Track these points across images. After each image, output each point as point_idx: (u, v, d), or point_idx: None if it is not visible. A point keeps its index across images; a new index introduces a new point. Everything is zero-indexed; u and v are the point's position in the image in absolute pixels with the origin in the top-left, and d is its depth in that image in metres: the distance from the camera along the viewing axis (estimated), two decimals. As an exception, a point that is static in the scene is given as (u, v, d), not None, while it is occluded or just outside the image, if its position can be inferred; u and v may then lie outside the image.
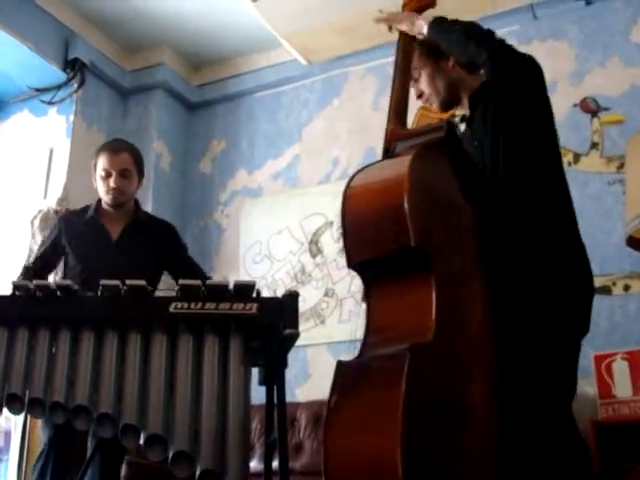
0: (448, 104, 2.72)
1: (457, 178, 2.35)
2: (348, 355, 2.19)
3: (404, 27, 2.70)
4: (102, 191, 3.55)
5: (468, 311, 2.17)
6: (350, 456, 1.96)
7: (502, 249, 2.32)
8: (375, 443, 1.91)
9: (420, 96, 2.75)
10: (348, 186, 2.33)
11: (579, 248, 2.43)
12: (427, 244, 2.12)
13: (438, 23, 2.61)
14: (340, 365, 2.12)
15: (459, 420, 2.02)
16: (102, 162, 3.54)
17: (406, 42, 2.71)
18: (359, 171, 2.38)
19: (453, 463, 1.97)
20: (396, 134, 2.51)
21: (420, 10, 2.75)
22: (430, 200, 2.26)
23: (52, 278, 3.72)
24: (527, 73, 2.51)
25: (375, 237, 2.20)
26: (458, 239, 2.28)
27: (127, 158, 3.57)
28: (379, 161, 2.44)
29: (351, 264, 2.28)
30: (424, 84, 2.70)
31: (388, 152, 2.46)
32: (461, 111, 2.80)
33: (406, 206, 2.12)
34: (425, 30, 2.62)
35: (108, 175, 3.51)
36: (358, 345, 2.20)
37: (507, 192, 2.40)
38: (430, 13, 2.76)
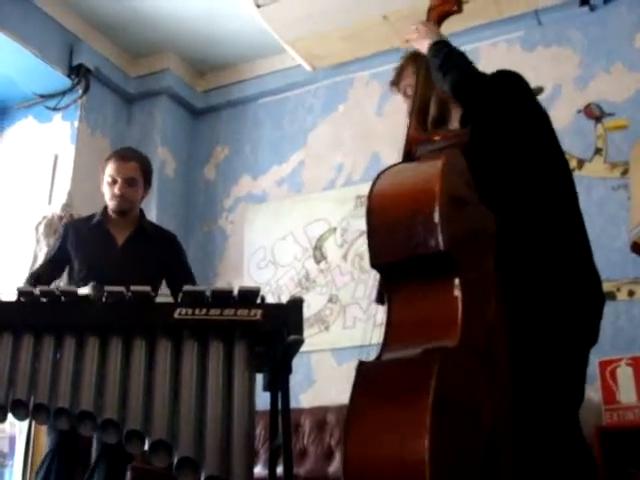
0: (438, 122, 2.71)
1: (476, 184, 2.34)
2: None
3: (416, 45, 2.69)
4: (107, 197, 3.56)
5: (487, 316, 2.17)
6: (371, 463, 1.94)
7: (515, 258, 2.32)
8: (401, 451, 1.90)
9: None
10: (375, 185, 2.31)
11: (588, 259, 2.42)
12: (455, 249, 2.12)
13: (433, 46, 2.59)
14: (363, 366, 2.10)
15: (474, 422, 2.02)
16: (109, 168, 3.56)
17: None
18: (384, 171, 2.36)
19: (467, 466, 1.96)
20: (417, 138, 2.50)
21: (446, 15, 2.74)
22: (458, 205, 2.25)
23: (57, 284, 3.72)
24: (497, 100, 2.47)
25: (403, 240, 2.18)
26: (477, 244, 2.27)
27: (135, 167, 3.59)
28: (401, 163, 2.43)
29: (375, 264, 2.26)
30: None
31: (409, 155, 2.46)
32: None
33: (437, 210, 2.11)
34: (425, 50, 2.62)
35: (114, 182, 3.53)
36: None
37: (512, 203, 2.40)
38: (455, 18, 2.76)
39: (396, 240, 2.21)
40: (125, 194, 3.53)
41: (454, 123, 2.66)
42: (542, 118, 2.56)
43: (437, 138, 2.53)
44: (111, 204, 3.56)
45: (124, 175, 3.54)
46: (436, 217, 2.12)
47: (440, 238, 2.10)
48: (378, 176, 2.35)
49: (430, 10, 2.77)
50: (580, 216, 2.47)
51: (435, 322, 2.11)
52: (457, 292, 2.10)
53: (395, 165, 2.40)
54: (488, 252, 2.27)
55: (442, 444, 1.88)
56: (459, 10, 2.74)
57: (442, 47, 2.58)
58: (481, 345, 2.11)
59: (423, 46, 2.64)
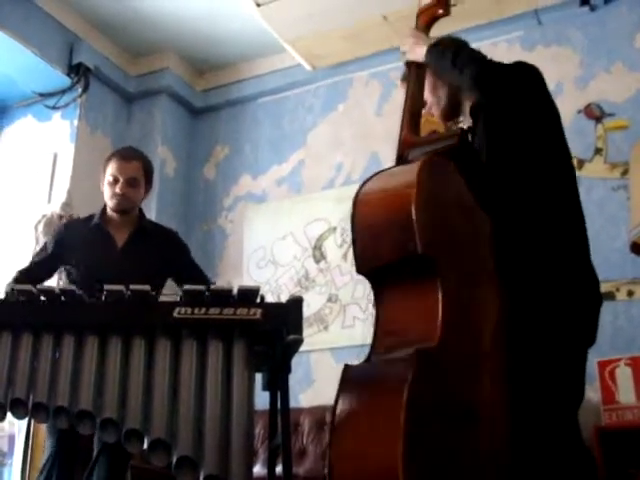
0: (449, 114, 2.71)
1: (469, 186, 2.34)
2: (352, 361, 2.19)
3: (411, 57, 2.66)
4: (107, 196, 3.55)
5: (478, 316, 2.17)
6: (355, 462, 1.96)
7: (512, 258, 2.31)
8: (379, 449, 1.91)
9: (424, 105, 2.73)
10: (359, 192, 2.34)
11: (586, 258, 2.42)
12: (434, 251, 2.13)
13: (432, 50, 2.58)
14: (347, 369, 2.12)
15: (466, 423, 2.02)
16: (111, 168, 3.54)
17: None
18: (371, 177, 2.38)
19: (458, 467, 1.97)
20: (409, 141, 2.50)
21: (434, 19, 2.73)
22: (439, 207, 2.25)
23: (55, 283, 3.71)
24: (517, 90, 2.46)
25: (384, 244, 2.21)
26: (468, 245, 2.27)
27: (137, 167, 3.58)
28: (390, 167, 2.44)
29: (360, 270, 2.28)
30: (427, 92, 2.69)
31: (401, 159, 2.46)
32: (464, 122, 2.78)
33: (414, 213, 2.13)
34: (423, 58, 2.60)
35: (115, 181, 3.51)
36: (366, 350, 2.20)
37: (513, 201, 2.40)
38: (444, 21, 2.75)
39: (378, 245, 2.23)
40: (126, 194, 3.52)
41: (465, 114, 2.66)
42: (554, 115, 2.55)
43: (430, 140, 2.53)
44: (111, 203, 3.54)
45: (126, 175, 3.52)
46: (412, 220, 2.13)
47: (417, 241, 2.11)
48: (363, 183, 2.37)
49: (418, 15, 2.77)
50: (581, 217, 2.47)
51: (417, 324, 2.13)
52: (438, 293, 2.10)
53: (381, 171, 2.42)
54: (483, 252, 2.28)
55: (424, 445, 1.90)
56: (447, 13, 2.73)
57: (446, 47, 2.57)
58: (470, 346, 2.11)
59: (418, 54, 2.63)
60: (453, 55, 2.51)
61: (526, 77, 2.51)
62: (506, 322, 2.21)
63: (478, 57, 2.51)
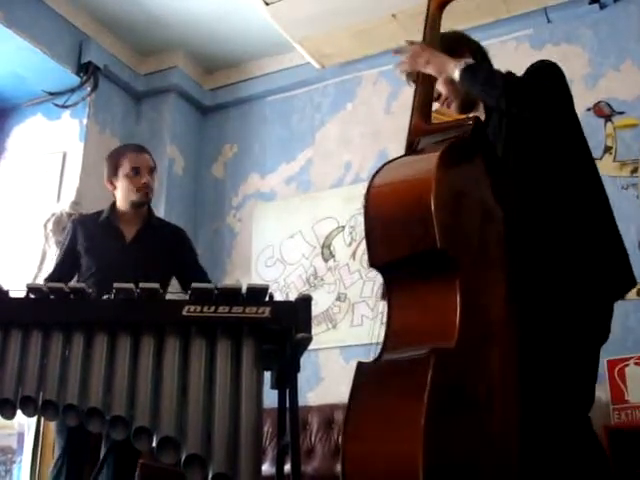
0: (467, 105, 2.67)
1: (488, 176, 2.31)
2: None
3: (430, 71, 2.55)
4: (130, 189, 3.55)
5: (491, 313, 2.15)
6: (369, 461, 1.94)
7: (526, 253, 2.30)
8: (396, 449, 1.89)
9: (438, 98, 2.70)
10: (372, 182, 2.28)
11: (609, 254, 2.40)
12: (453, 246, 2.08)
13: (464, 75, 2.48)
14: (361, 366, 2.09)
15: (480, 420, 2.01)
16: (130, 161, 3.56)
17: (432, 36, 2.65)
18: (383, 167, 2.32)
19: (473, 463, 1.96)
20: (420, 129, 2.45)
21: (447, 2, 2.69)
22: (457, 200, 2.21)
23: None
24: (544, 104, 2.40)
25: (399, 237, 2.15)
26: (484, 240, 2.23)
27: (150, 158, 3.67)
28: (402, 156, 2.39)
29: (373, 263, 2.24)
30: (442, 85, 2.64)
31: (412, 147, 2.43)
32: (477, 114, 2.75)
33: (432, 207, 2.08)
34: (457, 77, 2.49)
35: (137, 172, 3.54)
36: (374, 348, 2.18)
37: (533, 195, 2.38)
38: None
39: (393, 239, 2.18)
40: (149, 183, 3.56)
41: (479, 109, 2.63)
42: (573, 112, 2.54)
43: (441, 128, 2.49)
44: (136, 197, 3.54)
45: (147, 164, 3.58)
46: (432, 213, 2.08)
47: (436, 235, 2.06)
48: (376, 172, 2.32)
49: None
50: (607, 211, 2.44)
51: (433, 322, 2.09)
52: (456, 291, 2.06)
53: (394, 160, 2.37)
54: (496, 248, 2.26)
55: (440, 445, 1.88)
56: None
57: (476, 70, 2.49)
58: (483, 345, 2.10)
59: (447, 71, 2.52)
60: (484, 81, 2.43)
61: (551, 85, 2.46)
62: (518, 319, 2.20)
63: (509, 81, 2.42)
